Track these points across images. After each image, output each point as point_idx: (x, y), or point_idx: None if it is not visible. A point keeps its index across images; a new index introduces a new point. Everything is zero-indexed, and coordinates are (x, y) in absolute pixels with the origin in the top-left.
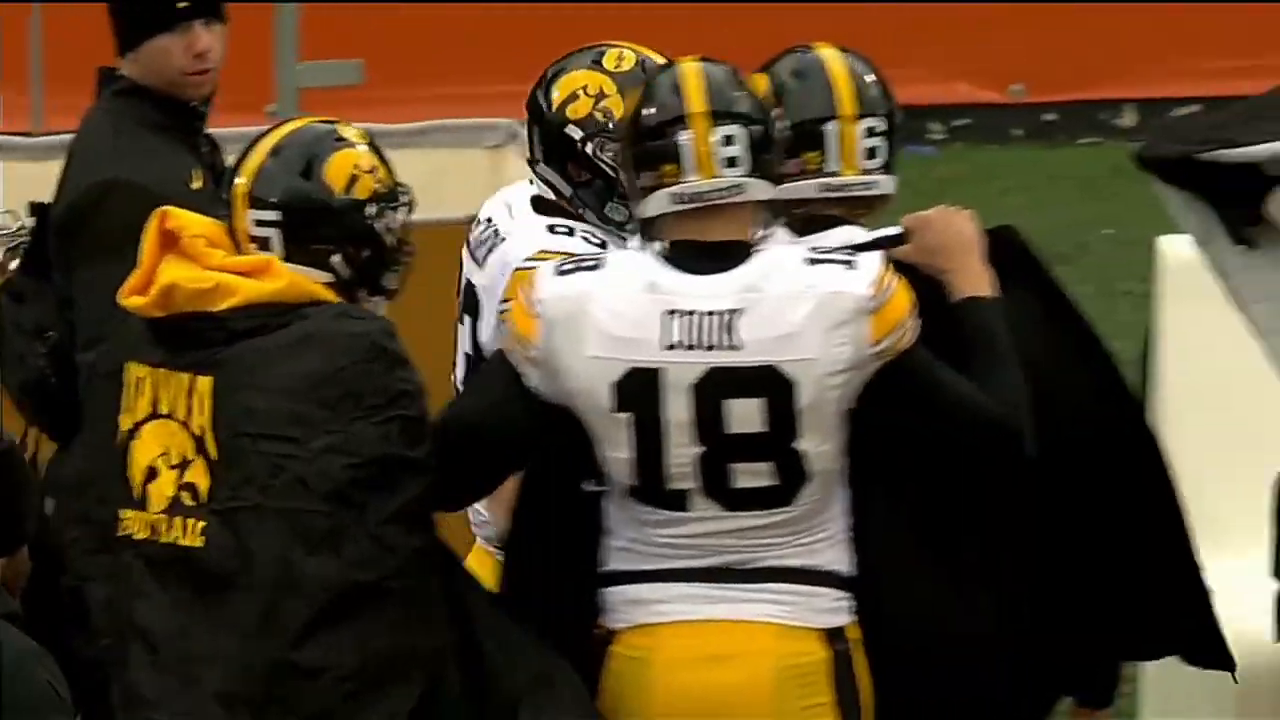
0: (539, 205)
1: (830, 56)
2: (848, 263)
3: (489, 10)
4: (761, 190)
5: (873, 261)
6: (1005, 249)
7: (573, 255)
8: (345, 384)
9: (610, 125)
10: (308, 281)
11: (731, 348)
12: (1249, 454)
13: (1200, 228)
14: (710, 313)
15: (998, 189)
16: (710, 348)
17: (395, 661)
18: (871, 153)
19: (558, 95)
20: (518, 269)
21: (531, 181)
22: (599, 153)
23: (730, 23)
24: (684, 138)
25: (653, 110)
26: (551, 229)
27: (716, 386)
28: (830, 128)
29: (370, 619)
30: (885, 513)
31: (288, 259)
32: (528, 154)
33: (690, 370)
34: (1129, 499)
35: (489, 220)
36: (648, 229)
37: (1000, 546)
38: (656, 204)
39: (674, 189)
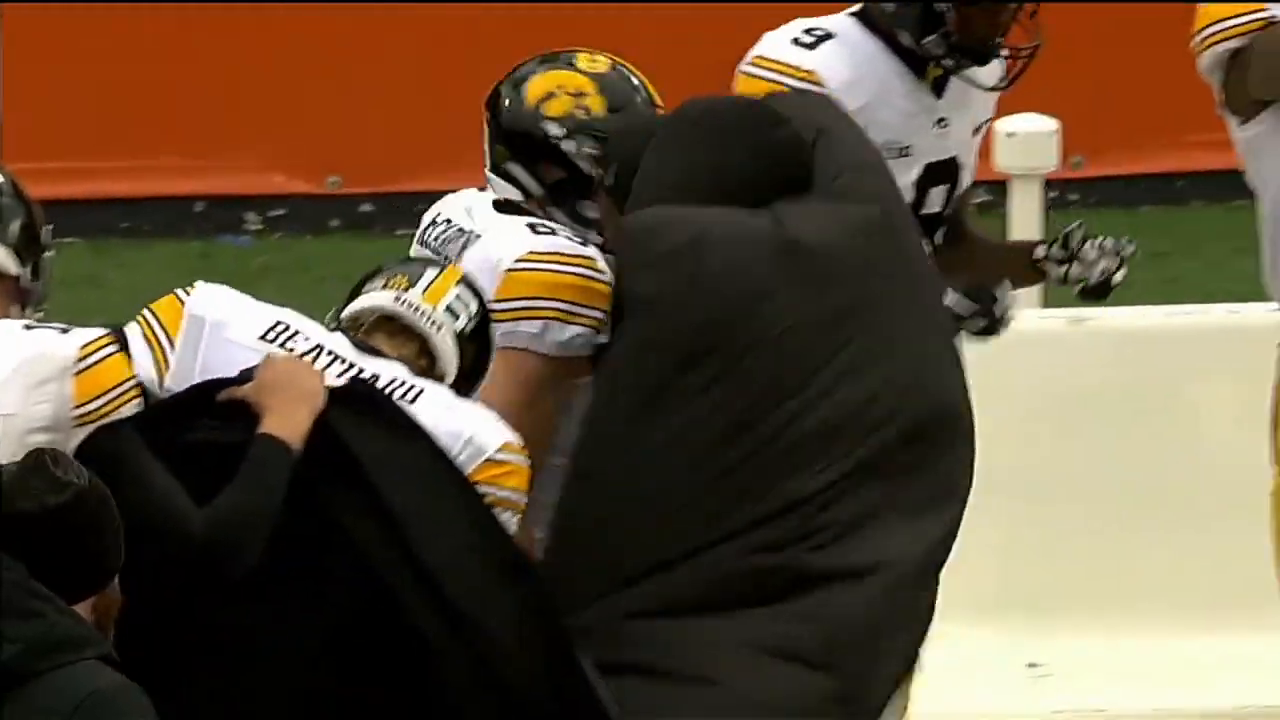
0: (501, 207)
1: None
2: (63, 329)
3: None
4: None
5: (90, 332)
6: (362, 401)
7: (562, 254)
8: None
9: (590, 122)
10: None
11: None
12: None
13: None
14: None
15: (314, 278)
16: None
17: None
18: None
19: (531, 94)
20: (510, 269)
21: (483, 188)
22: (578, 150)
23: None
24: None
25: None
26: (534, 228)
27: None
28: None
29: None
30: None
31: None
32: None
33: None
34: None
35: (447, 221)
36: None
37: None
38: None
39: None
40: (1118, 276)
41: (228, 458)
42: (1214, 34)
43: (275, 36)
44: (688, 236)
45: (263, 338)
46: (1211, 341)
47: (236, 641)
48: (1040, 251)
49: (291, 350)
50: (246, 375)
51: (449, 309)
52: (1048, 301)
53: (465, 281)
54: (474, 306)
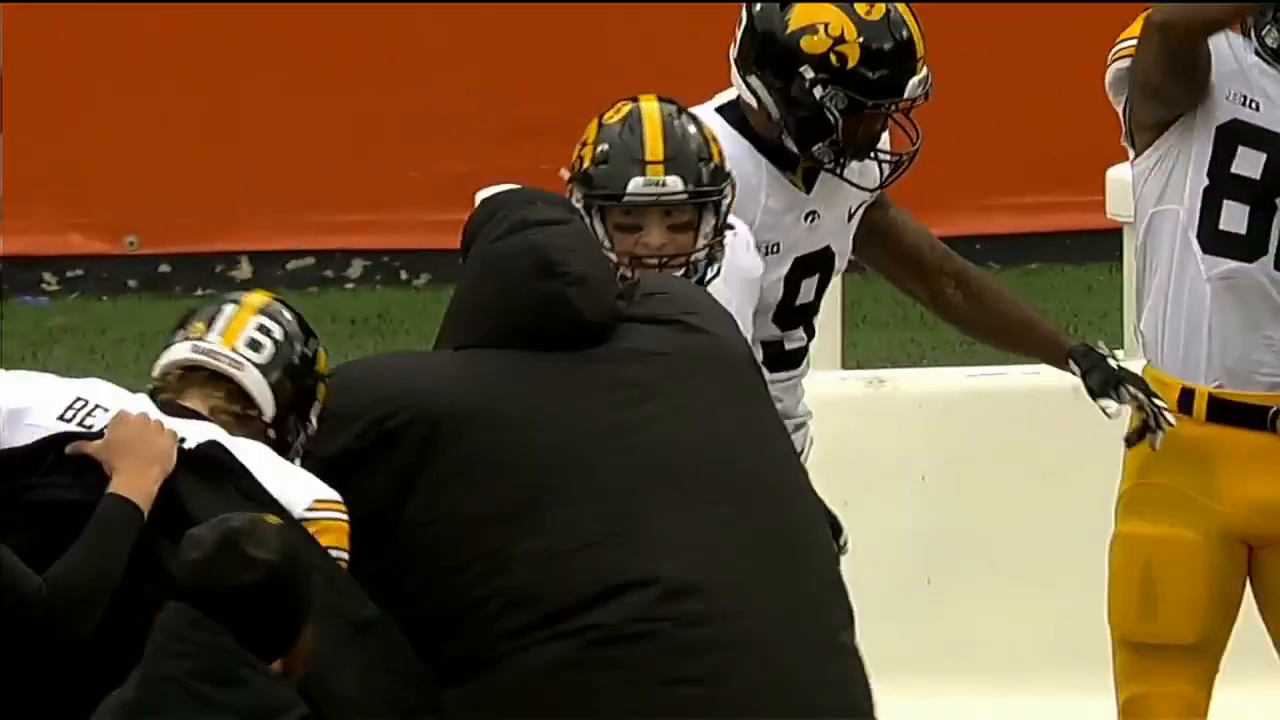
0: None
1: None
2: None
3: None
4: None
5: None
6: (211, 465)
7: None
8: None
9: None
10: None
11: None
12: None
13: None
14: None
15: (112, 339)
16: None
17: None
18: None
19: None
20: None
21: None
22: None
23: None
24: None
25: None
26: None
27: None
28: None
29: None
30: None
31: None
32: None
33: None
34: None
35: None
36: None
37: None
38: None
39: None
40: (1157, 439)
41: (75, 516)
42: (1120, 50)
43: (71, 96)
44: (382, 413)
45: (60, 417)
46: (1010, 403)
47: (73, 707)
48: (1074, 368)
49: (90, 426)
50: (98, 432)
51: (250, 342)
52: (846, 363)
53: (267, 311)
54: (279, 333)
